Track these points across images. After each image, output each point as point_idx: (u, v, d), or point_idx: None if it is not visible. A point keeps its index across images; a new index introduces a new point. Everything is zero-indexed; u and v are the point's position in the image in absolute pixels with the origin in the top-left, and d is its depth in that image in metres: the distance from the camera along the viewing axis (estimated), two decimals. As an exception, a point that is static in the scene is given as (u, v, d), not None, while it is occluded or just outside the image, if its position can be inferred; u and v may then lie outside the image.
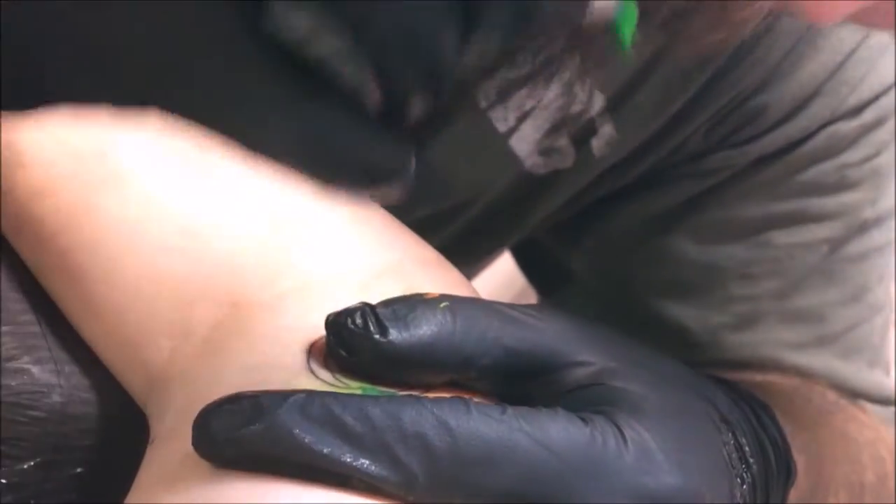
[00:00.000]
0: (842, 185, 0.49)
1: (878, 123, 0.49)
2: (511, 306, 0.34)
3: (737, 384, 0.39)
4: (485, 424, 0.28)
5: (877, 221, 0.50)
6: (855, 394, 0.50)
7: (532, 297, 0.57)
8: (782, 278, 0.48)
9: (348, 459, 0.27)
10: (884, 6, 0.28)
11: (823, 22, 0.28)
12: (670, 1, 0.34)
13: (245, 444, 0.27)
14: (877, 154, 0.49)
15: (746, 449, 0.34)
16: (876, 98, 0.48)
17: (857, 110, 0.48)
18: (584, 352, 0.33)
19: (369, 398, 0.27)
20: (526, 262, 0.57)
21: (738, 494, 0.33)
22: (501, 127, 0.44)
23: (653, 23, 0.36)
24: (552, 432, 0.28)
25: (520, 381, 0.33)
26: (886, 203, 0.50)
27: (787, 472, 0.38)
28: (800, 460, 0.39)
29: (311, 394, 0.27)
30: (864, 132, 0.49)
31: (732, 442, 0.34)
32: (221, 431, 0.27)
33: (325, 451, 0.26)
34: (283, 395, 0.27)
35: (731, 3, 0.33)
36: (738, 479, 0.33)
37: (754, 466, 0.35)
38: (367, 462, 0.27)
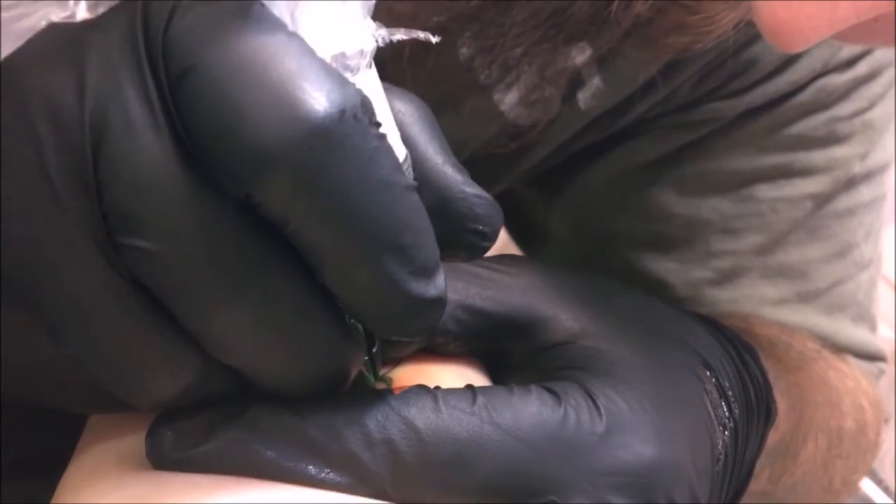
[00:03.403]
0: (830, 139, 0.48)
1: (871, 76, 0.48)
2: (476, 262, 0.33)
3: (719, 323, 0.39)
4: (454, 421, 0.27)
5: (866, 177, 0.49)
6: (839, 349, 0.50)
7: (513, 248, 0.57)
8: (765, 233, 0.48)
9: (312, 472, 0.25)
10: (881, 23, 0.26)
11: (788, 49, 0.26)
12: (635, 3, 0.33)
13: (202, 462, 0.25)
14: (869, 107, 0.48)
15: (729, 393, 0.34)
16: (870, 50, 0.47)
17: (850, 63, 0.47)
18: (554, 307, 0.32)
19: (331, 404, 0.26)
20: (506, 217, 0.57)
21: (721, 444, 0.33)
22: (484, 80, 0.44)
23: (617, 31, 0.35)
24: (523, 420, 0.27)
25: (491, 339, 0.32)
26: (878, 158, 0.49)
27: (766, 411, 0.37)
28: (781, 403, 0.39)
29: (270, 405, 0.26)
30: (857, 85, 0.47)
31: (715, 389, 0.33)
32: (175, 449, 0.25)
33: (288, 465, 0.25)
34: (241, 408, 0.26)
35: (693, 6, 0.32)
36: (721, 427, 0.33)
37: (736, 410, 0.34)
38: (333, 474, 0.26)
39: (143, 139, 0.22)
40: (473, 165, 0.49)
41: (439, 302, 0.24)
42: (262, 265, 0.23)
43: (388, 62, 0.25)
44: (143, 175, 0.22)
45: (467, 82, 0.43)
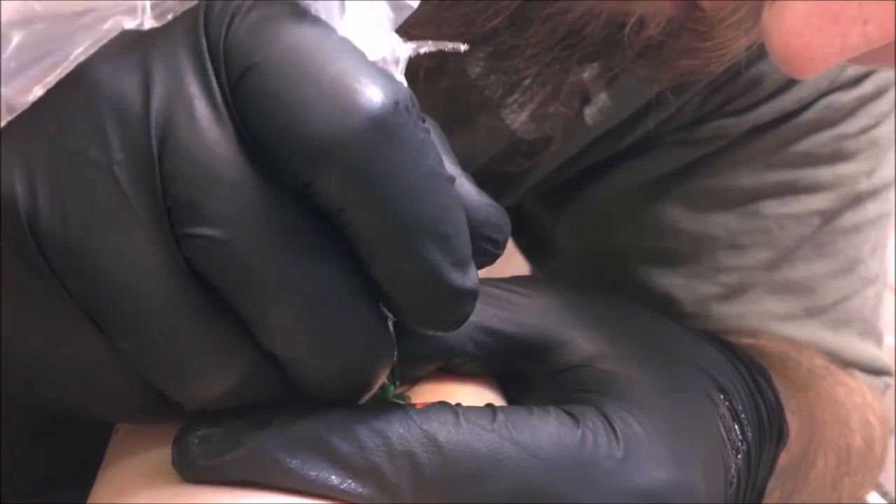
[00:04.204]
0: (837, 157, 0.48)
1: (877, 94, 0.48)
2: (494, 283, 0.33)
3: (733, 345, 0.39)
4: (474, 436, 0.27)
5: (872, 193, 0.49)
6: (846, 364, 0.50)
7: (514, 258, 0.57)
8: (772, 249, 0.48)
9: (335, 482, 0.26)
10: (885, 47, 0.26)
11: (799, 76, 0.26)
12: (645, 32, 0.33)
13: (228, 470, 0.26)
14: (875, 125, 0.48)
15: (742, 416, 0.34)
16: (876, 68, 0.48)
17: (857, 81, 0.47)
18: (571, 329, 0.32)
19: (355, 415, 0.26)
20: (513, 229, 0.57)
21: (734, 467, 0.33)
22: (497, 99, 0.44)
23: (629, 53, 0.35)
24: (543, 439, 0.28)
25: (508, 360, 0.33)
26: (883, 174, 0.49)
27: (779, 433, 0.38)
28: (793, 423, 0.39)
29: (295, 414, 0.26)
30: (863, 103, 0.48)
31: (728, 413, 0.34)
32: (202, 456, 0.26)
33: (312, 475, 0.26)
34: (267, 417, 0.26)
35: (706, 33, 0.33)
36: (734, 451, 0.33)
37: (749, 433, 0.34)
38: (355, 484, 0.26)
39: (208, 133, 0.23)
40: (481, 181, 0.49)
41: (474, 294, 0.25)
42: (320, 254, 0.24)
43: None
44: (209, 166, 0.23)
45: (481, 101, 0.43)
